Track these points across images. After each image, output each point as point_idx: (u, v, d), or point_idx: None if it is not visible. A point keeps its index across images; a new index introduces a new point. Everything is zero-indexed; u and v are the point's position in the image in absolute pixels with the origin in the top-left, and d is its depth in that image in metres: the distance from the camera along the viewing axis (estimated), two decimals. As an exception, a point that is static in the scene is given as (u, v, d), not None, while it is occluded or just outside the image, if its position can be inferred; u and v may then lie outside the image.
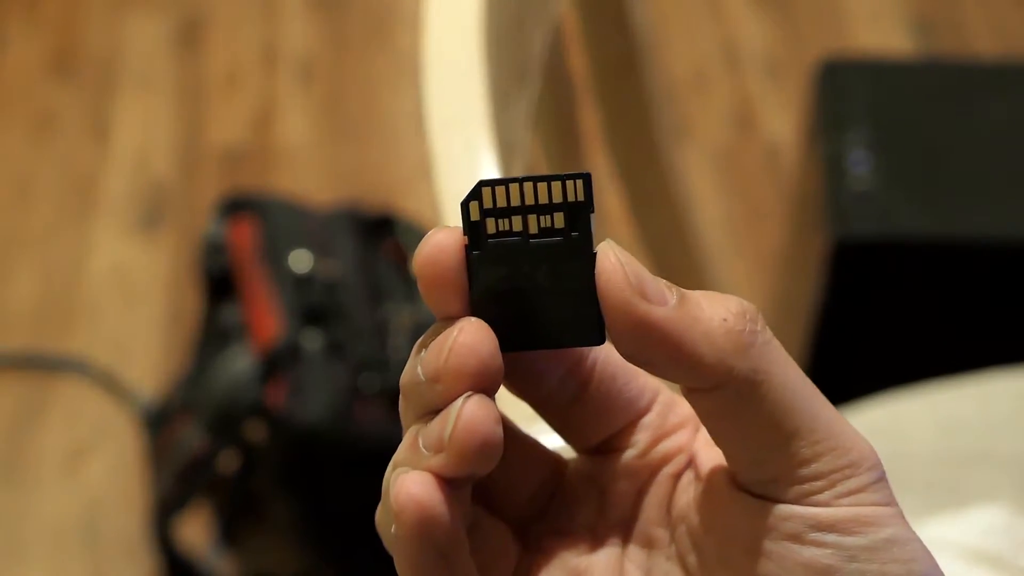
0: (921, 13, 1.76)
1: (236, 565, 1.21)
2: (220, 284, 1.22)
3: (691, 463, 0.35)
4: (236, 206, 1.26)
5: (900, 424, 0.74)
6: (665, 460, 0.36)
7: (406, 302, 1.20)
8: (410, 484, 0.31)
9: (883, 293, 1.15)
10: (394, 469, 0.32)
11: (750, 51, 1.74)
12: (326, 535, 1.15)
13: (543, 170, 0.67)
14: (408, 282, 1.23)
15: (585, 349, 0.35)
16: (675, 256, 0.87)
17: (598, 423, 0.35)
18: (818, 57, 1.25)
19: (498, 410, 0.31)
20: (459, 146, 0.51)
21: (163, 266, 1.52)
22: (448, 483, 0.31)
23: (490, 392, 0.31)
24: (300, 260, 1.20)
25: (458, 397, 0.31)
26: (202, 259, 1.24)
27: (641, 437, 0.36)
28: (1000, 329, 1.14)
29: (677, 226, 0.86)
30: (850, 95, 1.18)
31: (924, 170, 1.13)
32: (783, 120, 1.63)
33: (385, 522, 0.32)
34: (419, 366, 0.32)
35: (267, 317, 1.15)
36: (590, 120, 0.80)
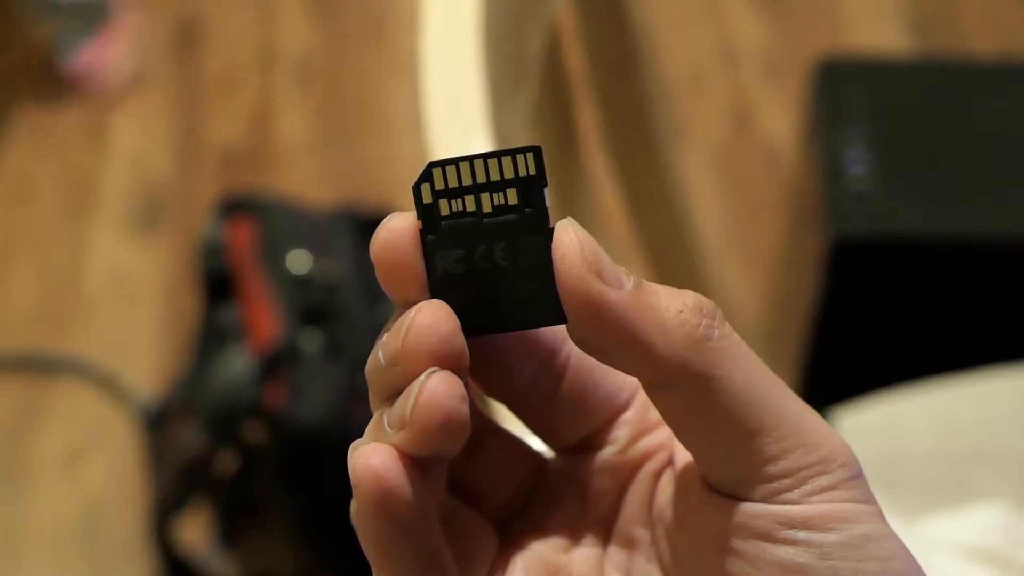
0: (918, 12, 1.76)
1: (235, 565, 1.21)
2: (219, 285, 1.22)
3: (671, 461, 0.35)
4: (234, 206, 1.26)
5: (899, 423, 0.74)
6: (645, 457, 0.35)
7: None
8: (368, 455, 0.30)
9: (881, 292, 1.15)
10: (355, 449, 0.31)
11: (748, 51, 1.74)
12: (325, 535, 1.15)
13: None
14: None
15: (558, 342, 0.34)
16: (673, 256, 0.87)
17: (576, 419, 0.35)
18: (816, 56, 1.25)
19: (464, 389, 0.30)
20: (457, 146, 0.51)
21: (162, 267, 1.52)
22: (412, 461, 0.30)
23: (456, 374, 0.30)
24: (298, 260, 1.20)
25: (419, 376, 0.30)
26: (200, 260, 1.24)
27: (620, 434, 0.35)
28: (999, 328, 1.15)
29: (675, 226, 0.86)
30: (848, 94, 1.18)
31: (922, 169, 1.13)
32: (781, 120, 1.64)
33: (353, 506, 0.31)
34: (380, 350, 0.31)
35: (265, 317, 1.15)
36: (588, 120, 0.80)
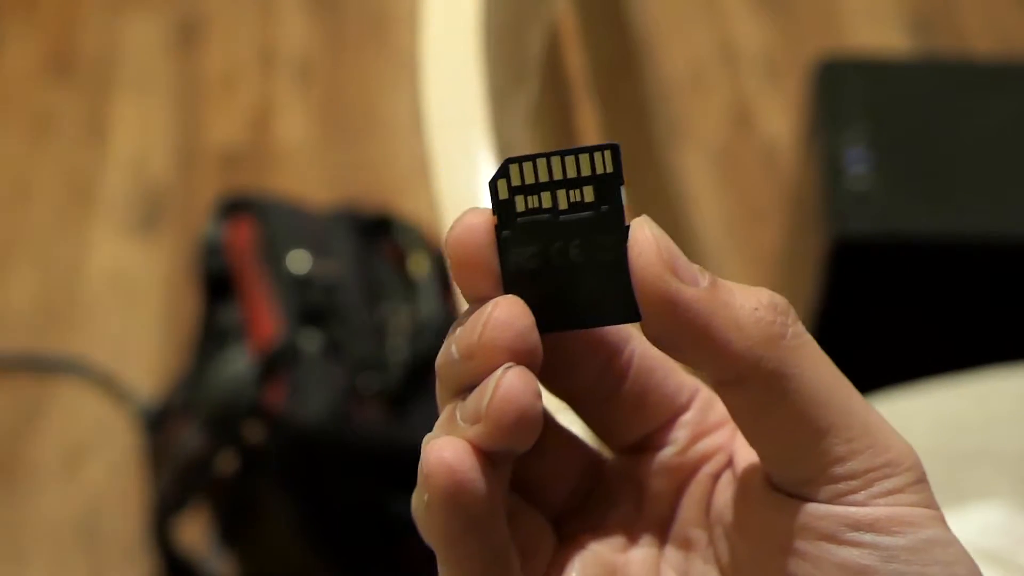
0: (918, 12, 1.76)
1: (235, 565, 1.21)
2: (218, 285, 1.22)
3: (731, 463, 0.34)
4: (234, 207, 1.26)
5: (899, 423, 0.74)
6: (704, 459, 0.35)
7: (404, 302, 1.20)
8: (441, 448, 0.30)
9: (881, 292, 1.15)
10: (428, 442, 0.31)
11: (747, 50, 1.74)
12: (325, 535, 1.15)
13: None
14: (406, 283, 1.23)
15: (622, 341, 0.34)
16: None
17: (636, 419, 0.35)
18: (815, 56, 1.25)
19: (538, 385, 0.30)
20: (457, 146, 0.51)
21: (161, 267, 1.52)
22: (484, 455, 0.30)
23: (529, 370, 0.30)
24: (298, 261, 1.20)
25: (496, 371, 0.30)
26: (200, 260, 1.24)
27: (680, 435, 0.35)
28: (999, 328, 1.14)
29: (675, 225, 0.86)
30: (848, 94, 1.18)
31: (922, 169, 1.13)
32: (781, 119, 1.64)
33: (418, 501, 0.31)
34: (453, 344, 0.31)
35: (265, 318, 1.15)
36: (588, 120, 0.80)
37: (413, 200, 1.51)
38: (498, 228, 0.31)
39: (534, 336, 0.30)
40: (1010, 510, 0.67)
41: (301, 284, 1.18)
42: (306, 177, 1.60)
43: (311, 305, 1.16)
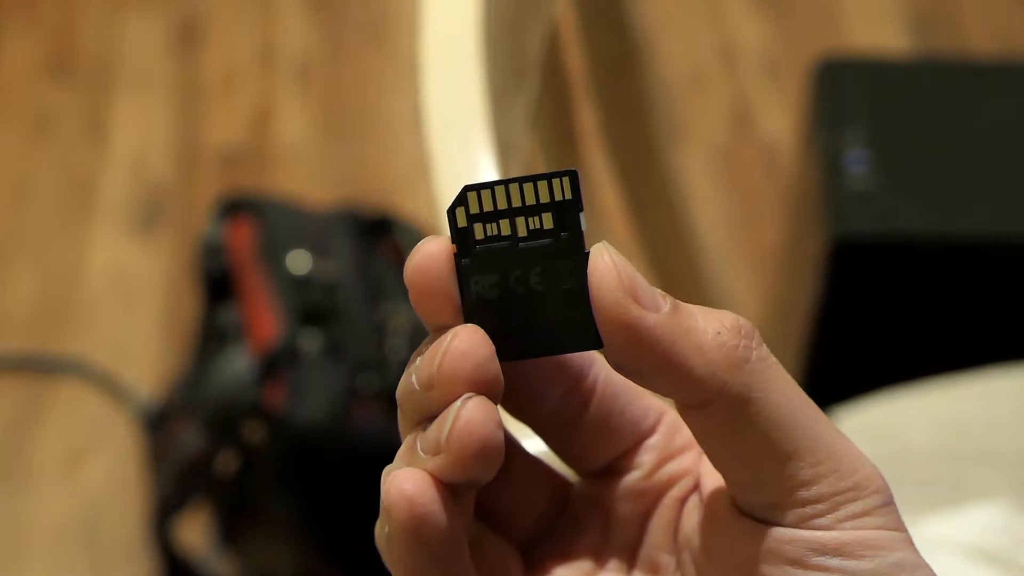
0: (918, 12, 1.76)
1: (235, 565, 1.21)
2: (218, 285, 1.22)
3: (697, 486, 0.34)
4: (234, 207, 1.26)
5: (899, 423, 0.74)
6: (671, 483, 0.35)
7: (404, 303, 1.20)
8: (401, 480, 0.30)
9: (881, 292, 1.15)
10: (388, 474, 0.31)
11: (748, 51, 1.74)
12: (325, 535, 1.15)
13: (540, 170, 0.67)
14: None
15: (585, 366, 0.34)
16: (673, 256, 0.87)
17: (601, 444, 0.35)
18: (815, 56, 1.25)
19: (499, 415, 0.30)
20: (457, 146, 0.51)
21: (161, 267, 1.52)
22: (445, 487, 0.30)
23: (490, 399, 0.30)
24: (298, 261, 1.20)
25: (455, 401, 0.30)
26: (200, 260, 1.24)
27: (646, 459, 0.35)
28: (999, 328, 1.14)
29: (675, 226, 0.86)
30: (848, 94, 1.18)
31: (922, 169, 1.13)
32: (781, 119, 1.64)
33: (380, 531, 0.31)
34: (413, 374, 0.31)
35: (265, 318, 1.15)
36: (588, 120, 0.80)
37: (413, 200, 1.51)
38: (457, 256, 0.31)
39: (494, 366, 0.30)
40: (1010, 510, 0.67)
41: (301, 284, 1.18)
42: (306, 177, 1.60)
43: (311, 305, 1.16)
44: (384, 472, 0.31)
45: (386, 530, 0.30)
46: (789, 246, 1.32)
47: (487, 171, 0.50)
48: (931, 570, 0.31)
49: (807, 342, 1.15)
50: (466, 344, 0.30)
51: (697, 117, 1.67)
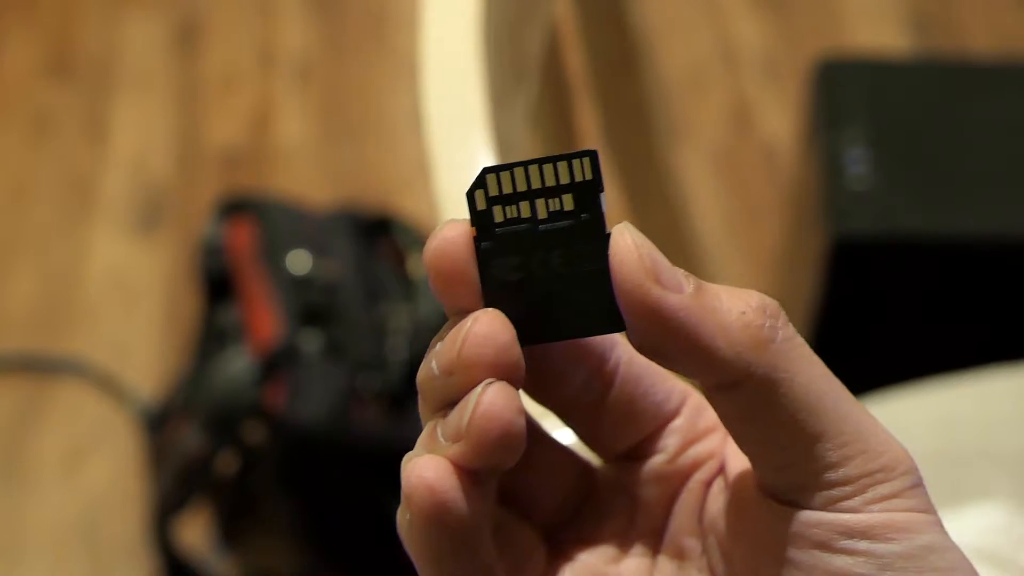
0: (918, 11, 1.76)
1: (235, 565, 1.21)
2: (218, 285, 1.22)
3: (722, 469, 0.34)
4: (234, 207, 1.26)
5: (898, 422, 0.74)
6: (696, 466, 0.34)
7: (404, 302, 1.20)
8: (422, 468, 0.29)
9: (881, 291, 1.15)
10: (409, 461, 0.30)
11: (747, 50, 1.74)
12: (325, 535, 1.15)
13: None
14: (405, 283, 1.23)
15: (608, 349, 0.33)
16: (673, 255, 0.86)
17: (625, 427, 0.34)
18: (815, 56, 1.25)
19: (520, 400, 0.29)
20: (457, 146, 0.51)
21: (161, 267, 1.52)
22: (467, 474, 0.29)
23: (511, 385, 0.30)
24: (298, 261, 1.20)
25: (476, 387, 0.29)
26: (200, 260, 1.24)
27: (670, 442, 0.34)
28: (998, 327, 1.14)
29: (675, 225, 0.86)
30: (847, 94, 1.18)
31: (922, 168, 1.13)
32: (781, 119, 1.64)
33: (402, 519, 0.31)
34: (433, 360, 0.30)
35: (265, 318, 1.15)
36: (588, 120, 0.80)
37: (413, 200, 1.51)
38: (477, 240, 0.31)
39: (515, 350, 0.30)
40: (1010, 510, 0.67)
41: (301, 284, 1.18)
42: (306, 177, 1.60)
43: (311, 305, 1.16)
44: (404, 459, 0.31)
45: (407, 518, 0.30)
46: (789, 246, 1.32)
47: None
48: (960, 552, 0.30)
49: (806, 341, 1.14)
50: (487, 328, 0.29)
51: (697, 117, 1.66)
